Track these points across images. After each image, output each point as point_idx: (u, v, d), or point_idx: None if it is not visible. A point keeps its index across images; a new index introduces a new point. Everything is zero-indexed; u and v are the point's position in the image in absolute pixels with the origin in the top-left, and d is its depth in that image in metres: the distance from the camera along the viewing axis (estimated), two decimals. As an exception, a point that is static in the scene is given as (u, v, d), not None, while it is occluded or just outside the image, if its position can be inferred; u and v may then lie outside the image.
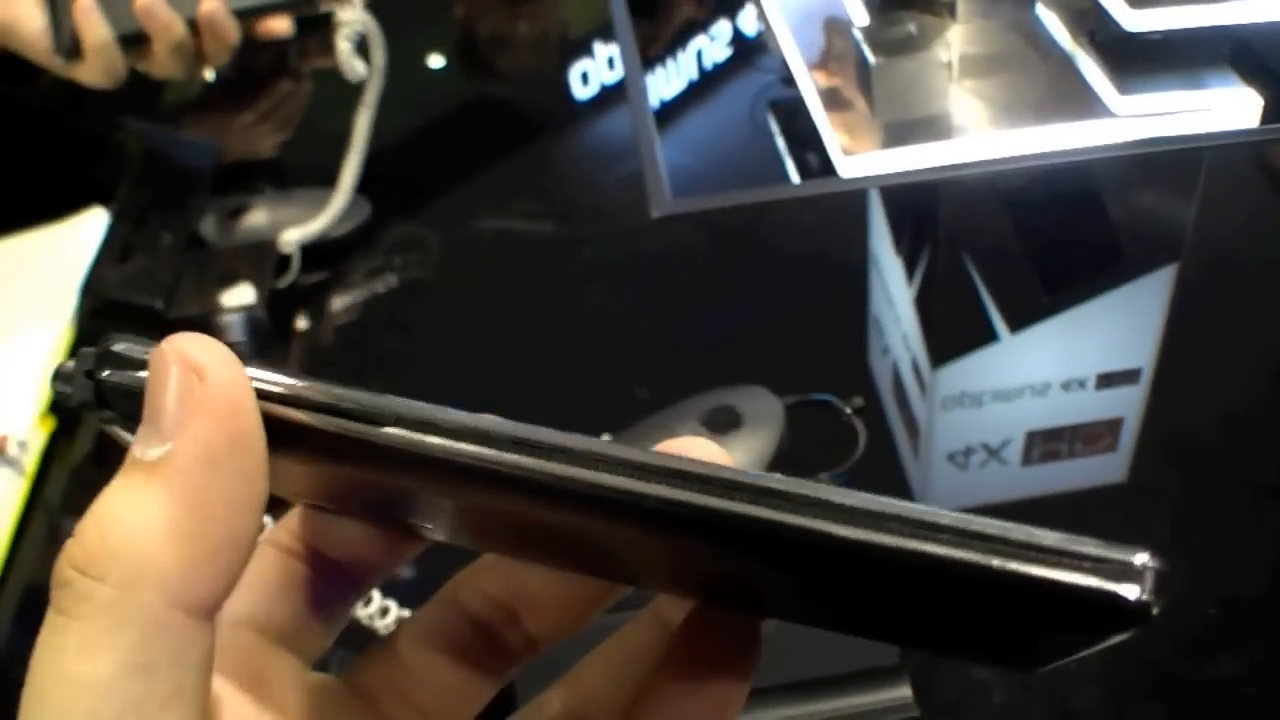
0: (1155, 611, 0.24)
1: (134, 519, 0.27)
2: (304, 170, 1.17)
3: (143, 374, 0.29)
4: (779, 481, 0.26)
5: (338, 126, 1.12)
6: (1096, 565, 0.24)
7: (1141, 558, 0.24)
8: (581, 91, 1.38)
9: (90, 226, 1.09)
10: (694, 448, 0.31)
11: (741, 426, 0.81)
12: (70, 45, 1.12)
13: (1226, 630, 0.77)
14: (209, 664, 0.28)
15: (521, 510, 0.28)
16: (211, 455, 0.28)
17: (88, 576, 0.27)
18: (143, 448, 0.28)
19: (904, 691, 0.69)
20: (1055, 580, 0.24)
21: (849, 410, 0.88)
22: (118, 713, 0.26)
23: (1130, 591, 0.23)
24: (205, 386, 0.28)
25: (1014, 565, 0.24)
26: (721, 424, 0.81)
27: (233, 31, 1.19)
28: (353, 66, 1.09)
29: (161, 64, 1.17)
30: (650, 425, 0.83)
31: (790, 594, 0.30)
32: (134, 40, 1.13)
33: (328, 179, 1.11)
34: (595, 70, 1.38)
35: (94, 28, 1.12)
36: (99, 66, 1.14)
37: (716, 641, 0.32)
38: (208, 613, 0.28)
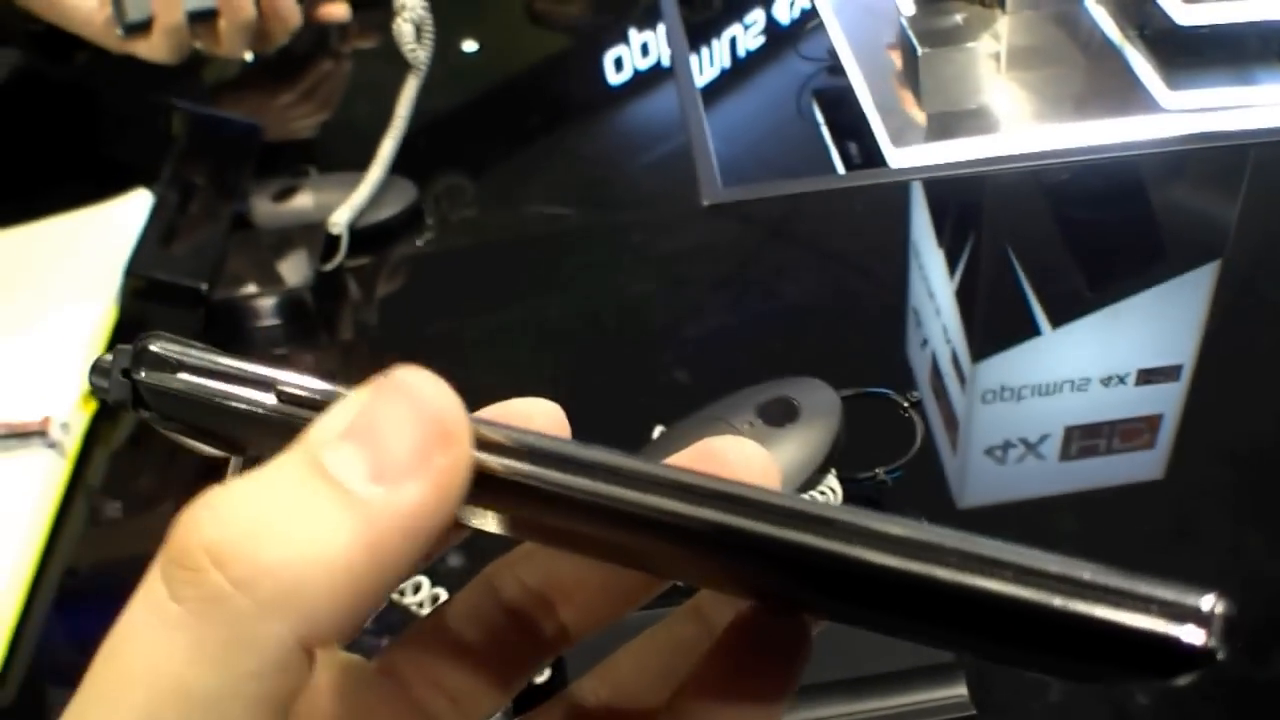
0: (1220, 656, 0.24)
1: (308, 544, 0.25)
2: (352, 154, 1.17)
3: (185, 376, 0.30)
4: (836, 511, 0.26)
5: (385, 110, 1.13)
6: (1163, 608, 0.23)
7: (1208, 601, 0.23)
8: (615, 77, 1.37)
9: (134, 207, 1.10)
10: (738, 450, 0.32)
11: (799, 419, 0.80)
12: (137, 22, 1.12)
13: (1278, 628, 0.77)
14: (300, 689, 0.26)
15: (581, 528, 0.28)
16: (423, 514, 0.26)
17: (228, 578, 0.25)
18: (360, 477, 0.26)
19: (960, 690, 0.69)
20: (1120, 623, 0.24)
21: (907, 404, 0.87)
22: None
23: (1195, 636, 0.23)
24: (450, 446, 0.27)
25: (1078, 606, 0.24)
26: (778, 416, 0.80)
27: (296, 15, 1.20)
28: (414, 51, 1.10)
29: (225, 42, 1.18)
30: (705, 417, 0.82)
31: (842, 608, 0.30)
32: (203, 16, 1.14)
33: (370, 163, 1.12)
34: (628, 56, 1.38)
35: (170, 6, 1.13)
36: (166, 44, 1.15)
37: (765, 645, 0.31)
38: (313, 654, 0.26)
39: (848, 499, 0.80)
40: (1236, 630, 0.24)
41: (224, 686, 0.25)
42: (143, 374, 0.30)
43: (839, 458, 0.80)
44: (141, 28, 1.14)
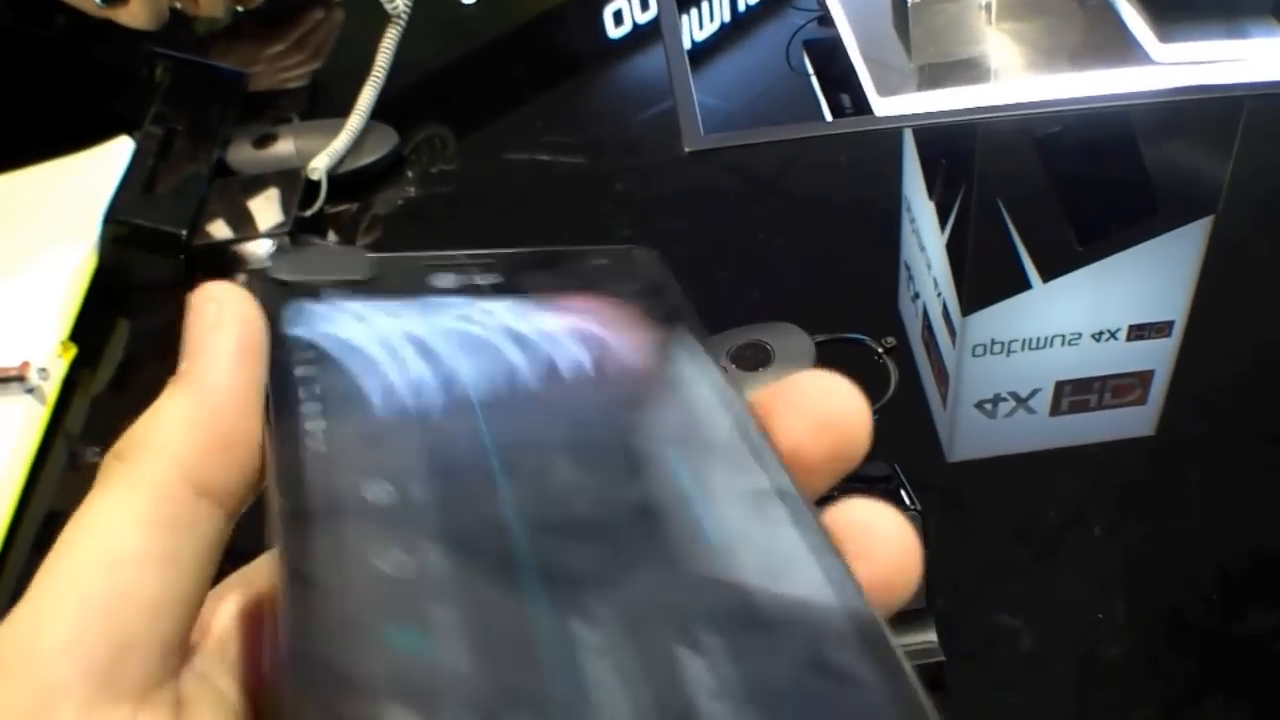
0: None
1: (157, 413, 0.31)
2: (335, 101, 1.16)
3: None
4: None
5: (370, 58, 1.12)
6: None
7: None
8: (614, 31, 1.36)
9: (116, 154, 1.08)
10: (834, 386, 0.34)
11: (771, 363, 0.80)
12: None
13: (1256, 585, 0.76)
14: (215, 547, 0.30)
15: None
16: (222, 364, 0.32)
17: (114, 459, 0.30)
18: (178, 368, 0.32)
19: (929, 636, 0.69)
20: None
21: (881, 350, 0.87)
22: (122, 559, 0.28)
23: None
24: (220, 311, 0.32)
25: None
26: (751, 360, 0.81)
27: None
28: (394, 2, 1.09)
29: (204, 4, 1.17)
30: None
31: None
32: None
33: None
34: (628, 9, 1.37)
35: None
36: (145, 10, 1.14)
37: None
38: (218, 499, 0.30)
39: None
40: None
41: (128, 519, 0.29)
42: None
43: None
44: None
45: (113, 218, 1.00)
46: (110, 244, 1.01)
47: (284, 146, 1.10)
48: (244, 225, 1.02)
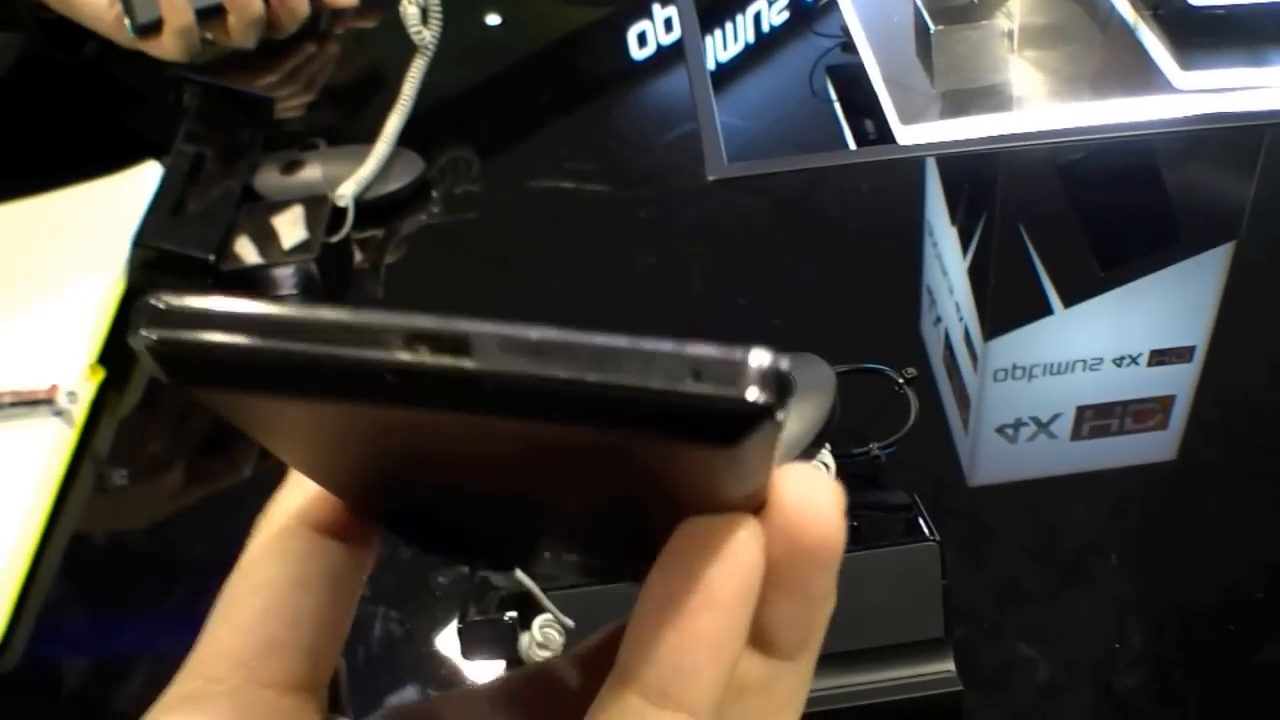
0: (780, 416, 0.24)
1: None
2: (361, 128, 1.17)
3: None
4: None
5: (396, 86, 1.13)
6: (712, 366, 0.23)
7: (758, 356, 0.23)
8: (639, 52, 1.37)
9: (145, 179, 1.09)
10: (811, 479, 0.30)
11: (792, 394, 0.80)
12: (147, 24, 1.14)
13: (1273, 614, 0.76)
14: (344, 570, 0.33)
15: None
16: None
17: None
18: None
19: (947, 665, 0.69)
20: (672, 389, 0.23)
21: (901, 380, 0.87)
22: (262, 584, 0.32)
23: (749, 393, 0.23)
24: None
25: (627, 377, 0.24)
26: (774, 390, 0.81)
27: (304, 5, 1.21)
28: (420, 33, 1.10)
29: (235, 35, 1.19)
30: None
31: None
32: (211, 13, 1.15)
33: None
34: (652, 32, 1.37)
35: (179, 11, 1.14)
36: (177, 44, 1.16)
37: None
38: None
39: (841, 474, 0.80)
40: (787, 387, 0.24)
41: None
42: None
43: (833, 433, 0.80)
44: (152, 29, 1.15)
45: (141, 242, 1.01)
46: (138, 268, 1.01)
47: (311, 172, 1.11)
48: (271, 250, 1.03)
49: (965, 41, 1.17)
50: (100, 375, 0.95)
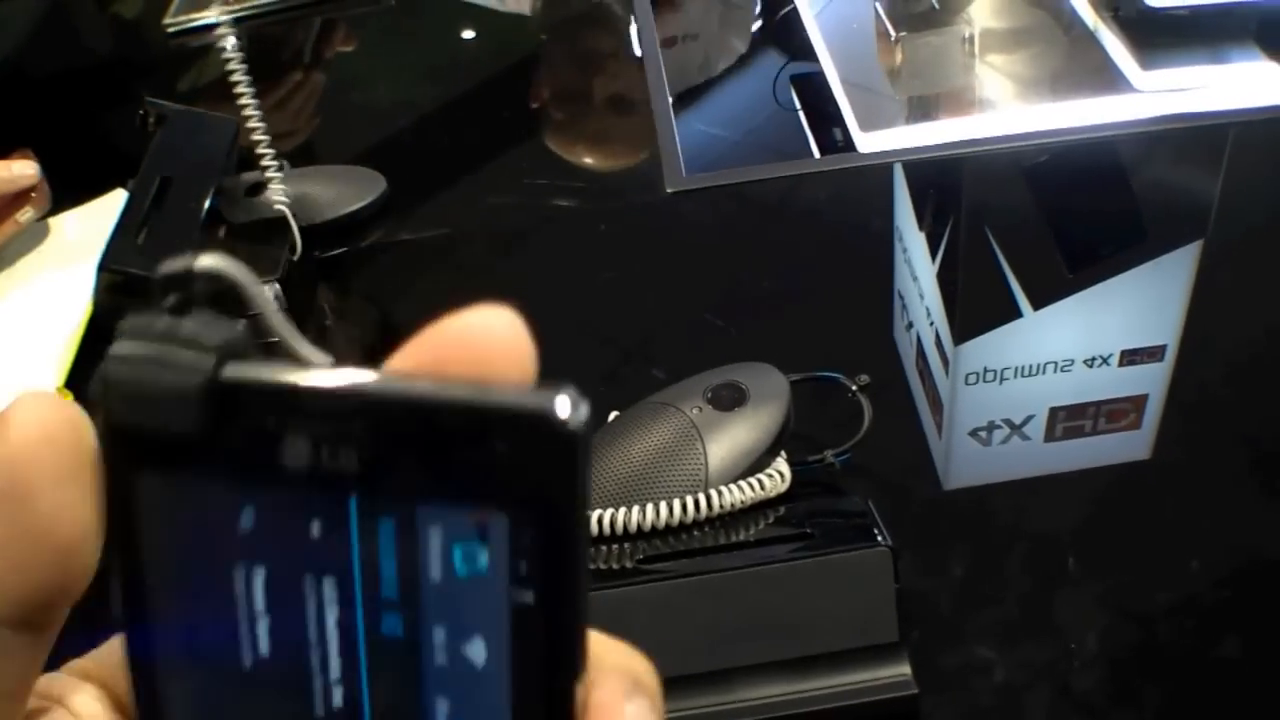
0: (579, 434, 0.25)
1: None
2: (323, 148, 1.16)
3: None
4: None
5: (359, 106, 1.12)
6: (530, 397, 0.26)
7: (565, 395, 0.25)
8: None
9: (112, 205, 1.09)
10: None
11: (746, 403, 0.81)
12: None
13: (1234, 612, 0.77)
14: (27, 674, 0.29)
15: None
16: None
17: None
18: None
19: (903, 669, 0.69)
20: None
21: (854, 387, 0.88)
22: None
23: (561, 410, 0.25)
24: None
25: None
26: (727, 401, 0.81)
27: None
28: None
29: None
30: (654, 402, 0.83)
31: None
32: None
33: (346, 157, 1.12)
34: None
35: None
36: None
37: None
38: (19, 625, 0.28)
39: (797, 482, 0.81)
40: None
41: None
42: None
43: (788, 441, 0.81)
44: None
45: (106, 266, 1.00)
46: (104, 291, 1.01)
47: (275, 194, 1.11)
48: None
49: (927, 47, 1.17)
50: (68, 399, 0.94)
